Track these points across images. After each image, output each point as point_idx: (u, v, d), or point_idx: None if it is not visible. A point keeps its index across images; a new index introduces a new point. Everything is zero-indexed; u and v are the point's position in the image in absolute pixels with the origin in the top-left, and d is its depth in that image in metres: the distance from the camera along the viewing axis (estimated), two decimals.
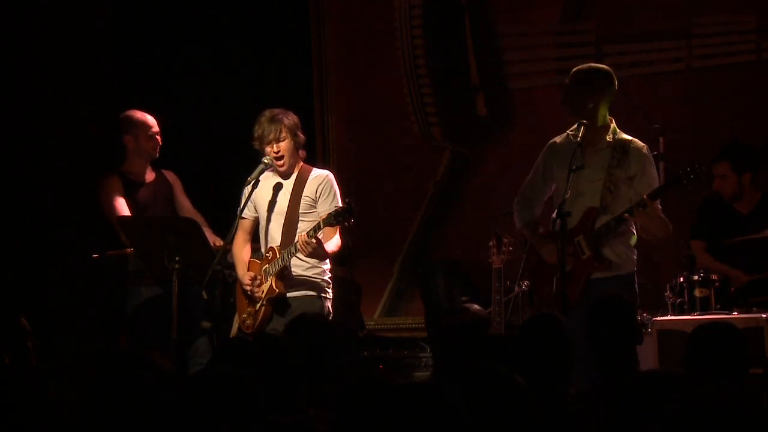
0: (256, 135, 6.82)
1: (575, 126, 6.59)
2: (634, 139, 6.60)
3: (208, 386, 3.56)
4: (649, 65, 9.00)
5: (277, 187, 6.90)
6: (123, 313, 7.46)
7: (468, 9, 9.43)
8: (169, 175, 7.71)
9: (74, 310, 8.93)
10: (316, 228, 6.51)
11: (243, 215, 6.91)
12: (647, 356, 6.79)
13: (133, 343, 7.13)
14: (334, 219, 6.46)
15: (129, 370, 3.80)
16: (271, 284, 6.76)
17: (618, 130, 6.60)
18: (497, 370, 3.60)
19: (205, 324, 7.23)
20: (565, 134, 6.65)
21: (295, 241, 6.66)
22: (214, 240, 7.19)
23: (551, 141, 6.77)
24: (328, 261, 6.88)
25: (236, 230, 6.86)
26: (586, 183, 6.52)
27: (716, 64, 8.88)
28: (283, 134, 6.78)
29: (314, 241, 6.50)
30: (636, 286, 6.57)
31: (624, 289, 6.29)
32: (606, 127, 6.57)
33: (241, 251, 6.97)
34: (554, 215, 6.38)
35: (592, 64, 6.79)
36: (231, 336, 6.90)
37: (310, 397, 4.59)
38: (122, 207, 7.36)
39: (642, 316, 7.39)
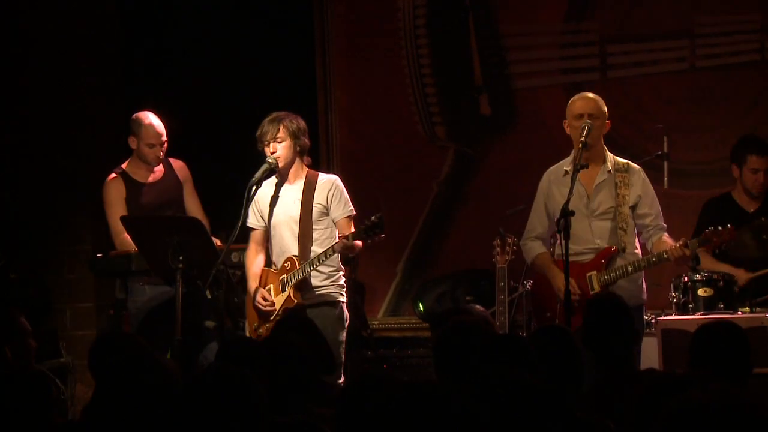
0: (257, 134, 6.82)
1: (569, 158, 6.71)
2: (629, 162, 6.72)
3: (212, 386, 3.55)
4: (653, 65, 8.98)
5: (285, 195, 6.88)
6: (126, 312, 7.46)
7: (472, 9, 9.41)
8: (180, 171, 7.60)
9: (77, 309, 8.93)
10: (349, 237, 6.52)
11: (252, 225, 6.90)
12: (651, 356, 6.81)
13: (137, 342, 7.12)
14: (364, 234, 6.45)
15: (133, 371, 3.80)
16: (290, 294, 6.75)
17: (610, 154, 6.71)
18: (512, 372, 3.58)
19: (209, 323, 7.23)
20: (560, 167, 6.74)
21: (320, 252, 6.65)
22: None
23: (547, 173, 6.86)
24: (341, 266, 6.89)
25: (236, 234, 6.82)
26: (596, 219, 6.62)
27: (720, 64, 8.85)
28: (281, 135, 6.75)
29: (352, 245, 6.53)
30: (644, 316, 6.78)
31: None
32: (602, 156, 6.68)
33: (253, 263, 6.94)
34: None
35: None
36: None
37: (315, 397, 4.60)
38: (121, 214, 7.30)
39: (646, 315, 7.42)
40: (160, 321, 7.11)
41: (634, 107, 8.75)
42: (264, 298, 6.81)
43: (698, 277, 7.07)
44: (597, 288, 6.65)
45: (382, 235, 6.48)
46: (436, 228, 9.42)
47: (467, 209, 9.33)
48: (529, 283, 7.82)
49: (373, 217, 6.48)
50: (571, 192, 6.35)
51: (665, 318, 7.10)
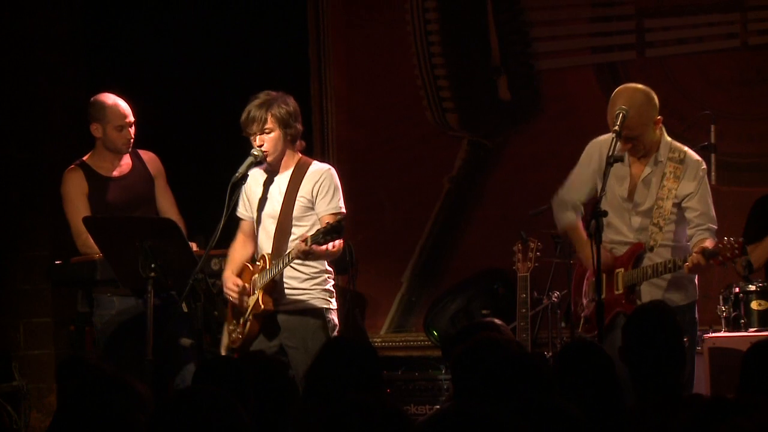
0: (241, 120, 6.78)
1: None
2: (688, 152, 6.65)
3: (188, 408, 3.54)
4: (698, 42, 8.97)
5: (271, 185, 6.86)
6: (89, 328, 7.44)
7: None
8: (151, 164, 7.54)
9: (33, 325, 8.91)
10: (307, 241, 6.43)
11: (241, 215, 6.88)
12: (698, 378, 6.79)
13: (102, 363, 7.12)
14: (321, 237, 6.37)
15: (100, 394, 3.78)
16: (258, 299, 6.73)
17: (668, 138, 6.64)
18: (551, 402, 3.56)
19: (185, 341, 7.21)
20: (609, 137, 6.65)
21: (287, 250, 6.62)
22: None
23: (598, 143, 6.75)
24: (329, 267, 6.85)
25: (216, 239, 6.78)
26: (636, 215, 6.59)
27: None
28: (269, 125, 6.72)
29: (311, 249, 6.42)
30: (695, 315, 6.70)
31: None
32: (656, 144, 6.59)
33: (235, 251, 6.91)
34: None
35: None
36: (222, 349, 6.91)
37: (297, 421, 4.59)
38: (82, 210, 7.27)
39: None
40: (130, 338, 7.10)
41: (676, 91, 8.74)
42: (235, 285, 6.77)
43: (752, 287, 7.06)
44: (620, 288, 6.64)
45: (340, 241, 6.47)
46: (448, 231, 9.41)
47: (483, 209, 9.32)
48: (554, 295, 7.81)
49: (332, 221, 6.46)
50: (603, 189, 6.33)
51: (714, 335, 7.09)
